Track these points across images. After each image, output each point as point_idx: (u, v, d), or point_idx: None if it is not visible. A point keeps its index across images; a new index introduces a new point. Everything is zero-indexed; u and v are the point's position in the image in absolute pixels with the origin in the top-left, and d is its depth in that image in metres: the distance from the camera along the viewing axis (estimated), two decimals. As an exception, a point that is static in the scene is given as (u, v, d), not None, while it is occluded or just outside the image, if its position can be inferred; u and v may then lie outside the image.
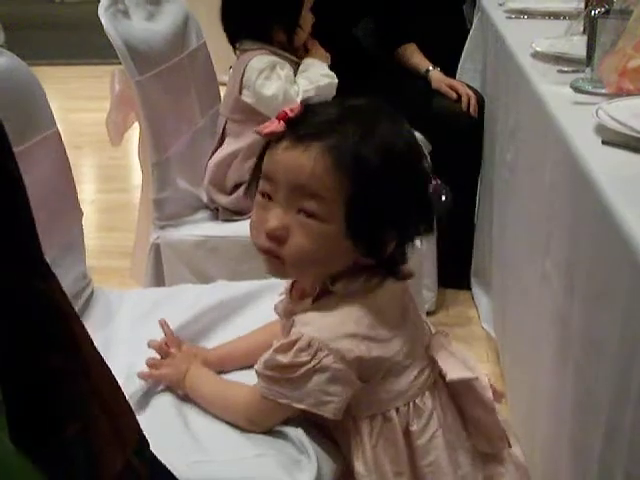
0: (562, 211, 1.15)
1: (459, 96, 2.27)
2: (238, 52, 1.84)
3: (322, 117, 0.94)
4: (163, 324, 1.16)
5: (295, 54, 1.85)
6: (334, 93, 1.81)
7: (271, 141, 0.95)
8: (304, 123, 0.93)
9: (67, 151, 1.34)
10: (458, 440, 1.02)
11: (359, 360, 0.93)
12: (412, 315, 1.02)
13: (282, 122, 0.93)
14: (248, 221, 1.00)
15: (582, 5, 1.80)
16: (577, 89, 1.35)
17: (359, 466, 0.98)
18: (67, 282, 1.28)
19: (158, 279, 1.78)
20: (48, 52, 5.78)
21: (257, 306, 1.31)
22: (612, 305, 0.87)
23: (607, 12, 1.38)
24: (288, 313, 1.02)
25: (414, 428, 0.98)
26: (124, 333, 1.24)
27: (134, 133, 1.99)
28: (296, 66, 1.84)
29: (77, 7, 7.34)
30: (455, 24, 2.73)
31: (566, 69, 1.51)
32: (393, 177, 0.92)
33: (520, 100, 1.63)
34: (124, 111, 1.77)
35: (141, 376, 1.09)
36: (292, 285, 1.05)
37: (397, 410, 0.98)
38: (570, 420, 1.05)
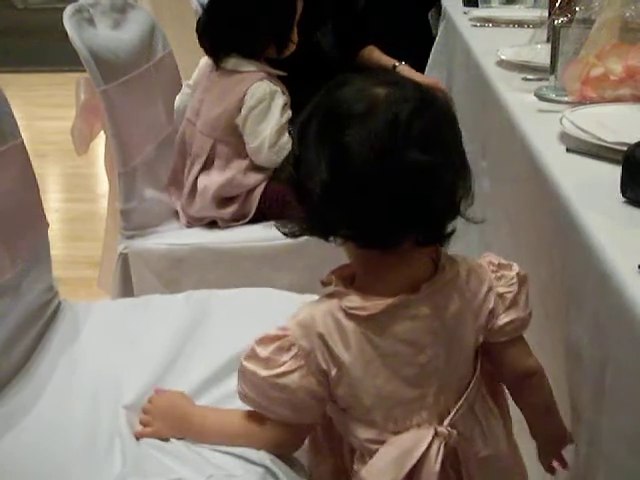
0: (528, 220, 1.16)
1: None
2: (227, 70, 1.77)
3: None
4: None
5: (280, 66, 1.81)
6: None
7: None
8: None
9: (31, 159, 1.31)
10: None
11: None
12: None
13: None
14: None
15: (546, 13, 1.82)
16: (541, 97, 1.36)
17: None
18: (33, 295, 1.26)
19: (127, 289, 1.76)
20: (11, 59, 5.71)
21: (229, 313, 1.29)
22: (582, 311, 0.88)
23: (570, 21, 1.40)
24: None
25: None
26: (92, 348, 1.21)
27: (100, 141, 1.98)
28: (283, 82, 1.81)
29: (41, 13, 7.24)
30: (420, 32, 2.75)
31: (530, 77, 1.53)
32: None
33: (487, 108, 1.64)
34: (90, 120, 1.75)
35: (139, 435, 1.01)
36: None
37: None
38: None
